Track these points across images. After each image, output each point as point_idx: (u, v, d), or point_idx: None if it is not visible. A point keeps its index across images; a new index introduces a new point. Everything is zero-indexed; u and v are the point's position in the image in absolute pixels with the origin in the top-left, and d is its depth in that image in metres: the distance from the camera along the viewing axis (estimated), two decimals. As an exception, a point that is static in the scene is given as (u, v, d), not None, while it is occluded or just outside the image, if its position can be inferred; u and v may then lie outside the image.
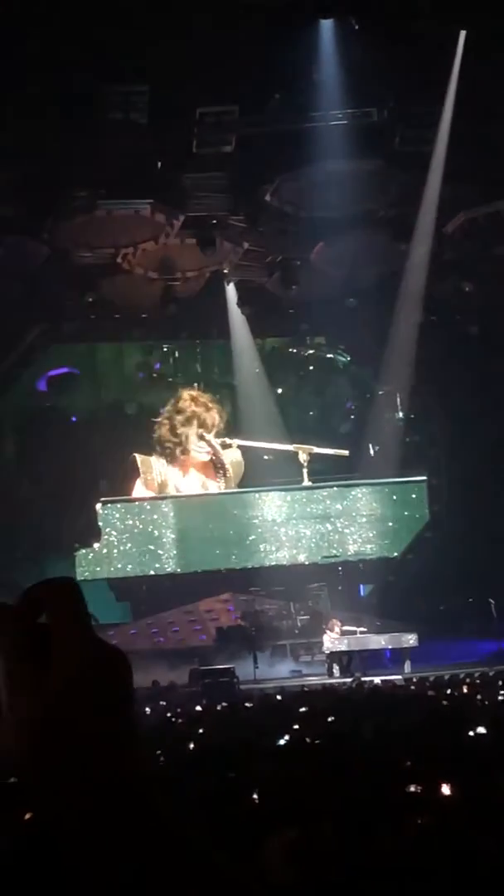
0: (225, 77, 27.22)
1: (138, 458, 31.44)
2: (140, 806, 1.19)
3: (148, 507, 31.64)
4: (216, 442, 29.86)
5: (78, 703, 1.20)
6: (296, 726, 13.04)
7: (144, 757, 1.25)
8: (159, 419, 31.03)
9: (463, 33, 27.91)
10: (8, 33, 25.21)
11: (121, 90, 27.73)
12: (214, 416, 30.24)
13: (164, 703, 21.50)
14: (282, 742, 11.47)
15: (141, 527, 31.72)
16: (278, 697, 20.50)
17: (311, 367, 39.74)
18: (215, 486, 31.47)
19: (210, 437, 29.65)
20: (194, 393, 31.90)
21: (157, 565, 32.51)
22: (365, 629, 30.32)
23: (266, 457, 34.14)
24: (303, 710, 16.25)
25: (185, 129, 28.91)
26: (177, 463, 31.08)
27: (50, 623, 1.24)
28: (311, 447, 30.35)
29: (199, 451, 30.36)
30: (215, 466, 31.07)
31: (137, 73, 27.36)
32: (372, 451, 36.66)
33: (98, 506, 31.27)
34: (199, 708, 20.84)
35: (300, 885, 4.95)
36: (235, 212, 31.85)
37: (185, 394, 31.80)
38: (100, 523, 31.10)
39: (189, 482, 31.91)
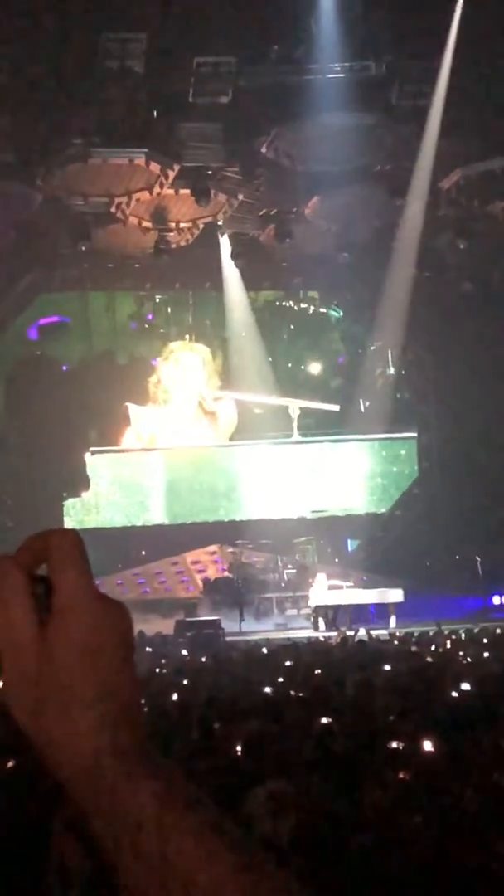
0: (223, 27, 27.04)
1: (131, 407, 31.44)
2: (141, 758, 1.19)
3: (137, 457, 31.68)
4: (208, 395, 29.85)
5: (78, 656, 1.20)
6: (280, 679, 13.11)
7: (142, 709, 1.26)
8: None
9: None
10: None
11: (118, 38, 27.51)
12: (200, 363, 30.19)
13: (150, 650, 21.59)
14: (266, 694, 11.53)
15: (130, 477, 31.77)
16: (263, 650, 20.57)
17: (304, 322, 39.68)
18: (206, 433, 31.45)
19: (201, 391, 29.64)
20: (184, 343, 31.86)
21: (145, 516, 32.54)
22: (351, 584, 30.43)
23: (257, 410, 34.17)
24: (288, 663, 16.32)
25: (182, 78, 28.72)
26: (167, 413, 31.07)
27: (51, 574, 1.25)
28: (302, 401, 30.36)
29: (183, 389, 30.27)
30: (206, 415, 31.08)
31: (135, 22, 27.14)
32: (362, 407, 36.69)
33: (87, 455, 31.28)
34: (185, 654, 20.94)
35: (283, 838, 4.98)
36: (231, 163, 31.69)
37: (175, 344, 31.77)
38: (89, 473, 31.13)
39: (179, 431, 31.91)
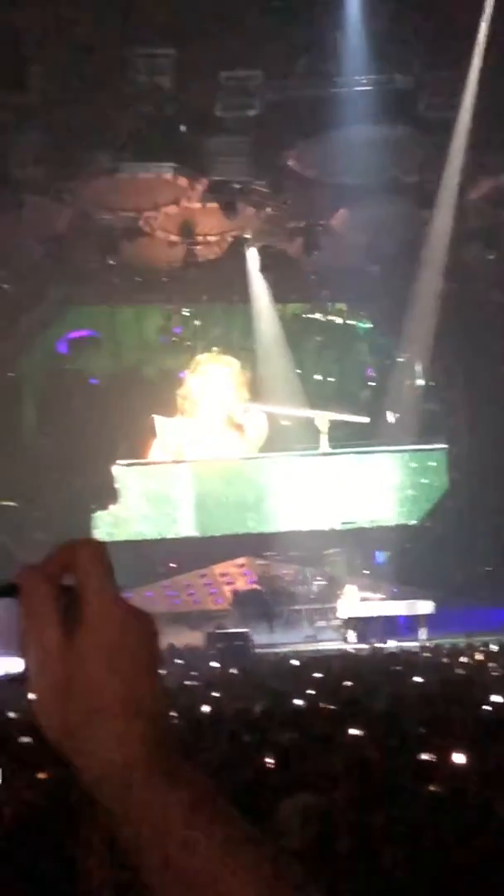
0: (250, 41, 27.10)
1: (157, 419, 31.44)
2: (170, 769, 1.21)
3: (166, 470, 31.67)
4: (236, 407, 29.79)
5: (106, 666, 1.22)
6: (311, 691, 13.09)
7: (171, 720, 1.27)
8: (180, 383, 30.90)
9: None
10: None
11: (146, 53, 27.63)
12: (229, 375, 30.07)
13: (180, 662, 21.59)
14: (297, 706, 11.52)
15: (158, 490, 31.80)
16: (293, 662, 20.54)
17: (332, 334, 39.64)
18: (235, 445, 31.39)
19: (229, 403, 29.54)
20: (212, 355, 31.82)
21: (174, 528, 32.57)
22: (381, 595, 30.35)
23: (285, 422, 34.15)
24: (318, 675, 16.30)
25: (209, 93, 28.79)
26: (195, 425, 31.02)
27: (78, 584, 1.26)
28: (331, 413, 30.29)
29: (211, 402, 30.13)
30: (234, 428, 31.01)
31: (163, 37, 27.24)
32: (391, 419, 36.61)
33: (116, 468, 31.30)
34: (214, 664, 20.91)
35: (314, 849, 4.99)
36: (258, 176, 31.74)
37: (202, 356, 31.72)
38: (117, 486, 31.14)
39: (207, 443, 31.88)
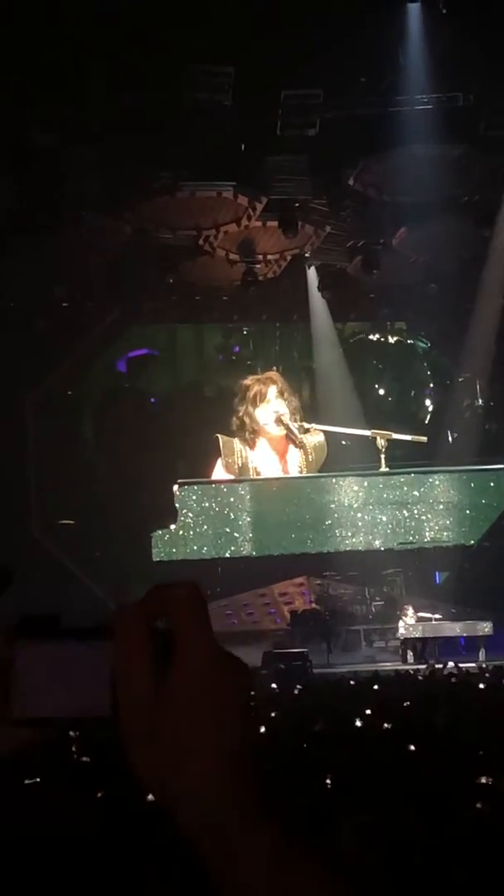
0: (310, 60, 27.10)
1: (220, 439, 31.41)
2: (258, 811, 1.19)
3: (225, 489, 31.61)
4: (294, 426, 29.70)
5: (197, 712, 1.20)
6: (368, 711, 13.03)
7: (258, 769, 1.25)
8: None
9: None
10: (93, 13, 25.28)
11: (206, 71, 27.68)
12: (288, 394, 29.95)
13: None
14: (355, 727, 11.46)
15: (217, 509, 31.73)
16: (351, 682, 20.49)
17: (391, 353, 39.59)
18: (296, 465, 31.30)
19: (287, 420, 29.43)
20: (271, 373, 31.78)
21: (232, 548, 32.52)
22: (440, 616, 30.24)
23: (344, 442, 34.07)
24: (376, 695, 16.24)
25: (269, 111, 28.81)
26: (254, 445, 30.96)
27: (175, 628, 1.23)
28: (390, 433, 30.15)
29: (267, 423, 30.00)
30: (294, 445, 30.91)
31: (223, 55, 27.29)
32: (450, 438, 36.49)
33: (175, 487, 31.30)
34: (273, 686, 20.88)
35: (373, 871, 4.93)
36: (318, 195, 31.72)
37: (262, 374, 31.75)
38: (177, 505, 31.13)
39: (269, 463, 31.80)
